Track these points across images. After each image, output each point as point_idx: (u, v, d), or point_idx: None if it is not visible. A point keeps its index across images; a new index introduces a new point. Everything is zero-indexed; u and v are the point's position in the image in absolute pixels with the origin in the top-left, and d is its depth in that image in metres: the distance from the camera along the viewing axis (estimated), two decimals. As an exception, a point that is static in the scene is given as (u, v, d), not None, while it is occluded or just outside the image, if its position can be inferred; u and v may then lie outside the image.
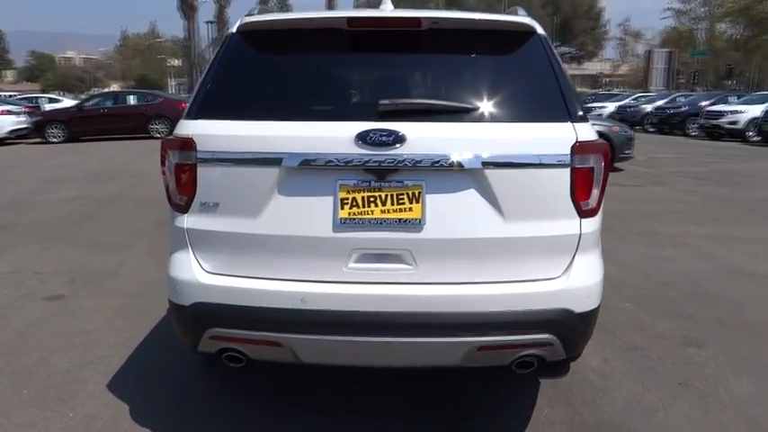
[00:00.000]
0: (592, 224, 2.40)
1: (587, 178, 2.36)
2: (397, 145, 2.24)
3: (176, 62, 76.35)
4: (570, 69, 64.70)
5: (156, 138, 18.86)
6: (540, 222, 2.33)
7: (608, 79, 75.07)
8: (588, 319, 2.40)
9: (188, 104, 2.55)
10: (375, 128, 2.25)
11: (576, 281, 2.37)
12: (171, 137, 2.47)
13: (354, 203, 2.29)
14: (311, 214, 2.31)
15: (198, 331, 2.40)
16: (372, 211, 2.28)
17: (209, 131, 2.38)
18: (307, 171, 2.30)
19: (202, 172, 2.37)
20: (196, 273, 2.41)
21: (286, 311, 2.29)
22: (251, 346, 2.38)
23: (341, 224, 2.28)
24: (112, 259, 5.54)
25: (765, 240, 6.24)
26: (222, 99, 2.48)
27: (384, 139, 2.24)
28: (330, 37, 2.50)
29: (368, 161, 2.25)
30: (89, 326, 3.98)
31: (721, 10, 50.15)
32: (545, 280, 2.35)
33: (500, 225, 2.30)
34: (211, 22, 50.38)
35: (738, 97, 22.89)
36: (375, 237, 2.29)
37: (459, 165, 2.26)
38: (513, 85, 2.47)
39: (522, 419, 2.84)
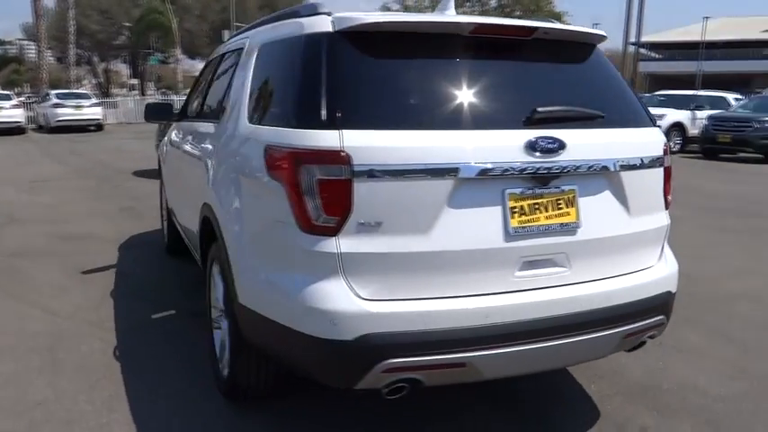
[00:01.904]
0: (668, 215, 2.76)
1: (670, 175, 2.72)
2: (560, 152, 2.30)
3: None
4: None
5: None
6: (649, 216, 2.61)
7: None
8: (674, 297, 2.75)
9: (276, 110, 2.43)
10: (542, 135, 2.28)
11: (669, 266, 2.71)
12: (299, 148, 2.15)
13: (522, 212, 2.29)
14: (481, 226, 2.24)
15: (365, 366, 2.14)
16: (538, 218, 2.31)
17: (365, 143, 2.13)
18: (475, 182, 2.22)
19: (359, 188, 2.12)
20: (357, 302, 2.15)
21: (470, 329, 2.19)
22: (431, 372, 2.21)
23: (512, 233, 2.26)
24: None
25: None
26: (353, 107, 2.23)
27: (550, 146, 2.29)
28: (451, 42, 2.41)
29: (538, 168, 2.27)
30: None
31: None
32: (651, 268, 2.64)
33: (628, 222, 2.51)
34: None
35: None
36: (541, 243, 2.32)
37: (606, 168, 2.41)
38: (612, 92, 2.69)
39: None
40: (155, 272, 5.11)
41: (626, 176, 2.49)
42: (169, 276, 4.99)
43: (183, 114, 4.47)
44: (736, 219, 7.83)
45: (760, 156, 15.11)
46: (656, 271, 2.63)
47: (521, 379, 2.98)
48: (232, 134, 2.84)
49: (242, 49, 3.27)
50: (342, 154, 2.11)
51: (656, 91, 23.72)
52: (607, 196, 2.47)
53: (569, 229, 2.36)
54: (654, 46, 57.95)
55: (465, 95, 2.33)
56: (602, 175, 2.44)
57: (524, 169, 2.25)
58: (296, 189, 2.17)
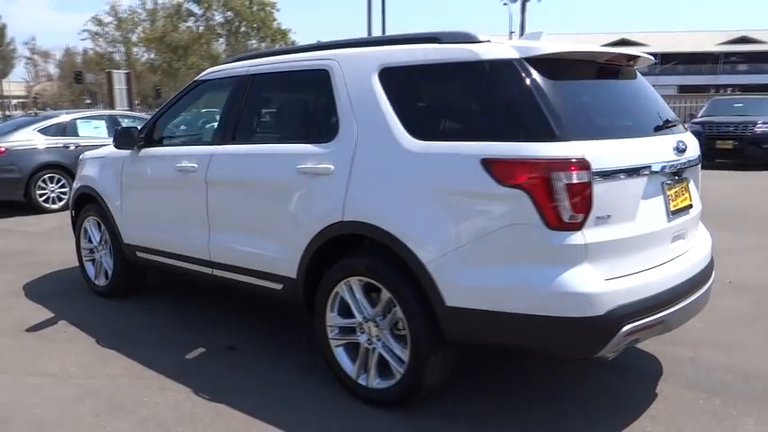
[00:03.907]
0: None
1: None
2: (685, 151, 3.03)
3: None
4: None
5: None
6: (699, 199, 3.47)
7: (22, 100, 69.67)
8: None
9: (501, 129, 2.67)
10: (680, 139, 2.99)
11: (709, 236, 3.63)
12: (547, 159, 2.53)
13: (673, 198, 2.97)
14: (657, 211, 2.87)
15: (610, 334, 2.59)
16: (677, 203, 3.01)
17: (595, 150, 2.60)
18: (653, 176, 2.83)
19: (596, 188, 2.58)
20: (603, 282, 2.60)
21: (665, 292, 2.79)
22: (645, 331, 2.73)
23: (670, 216, 2.93)
24: None
25: None
26: (573, 121, 2.67)
27: (683, 147, 3.01)
28: (596, 66, 2.98)
29: (678, 164, 2.97)
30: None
31: (142, 35, 53.66)
32: (706, 238, 3.51)
33: (698, 203, 3.34)
34: None
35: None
36: (681, 221, 3.03)
37: (697, 162, 3.21)
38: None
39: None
40: (130, 315, 4.60)
41: (697, 169, 3.32)
42: (156, 314, 4.58)
43: (189, 141, 4.18)
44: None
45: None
46: (708, 240, 3.50)
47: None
48: (386, 152, 2.96)
49: (323, 70, 3.34)
50: (585, 161, 2.54)
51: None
52: (693, 184, 3.27)
53: (688, 209, 3.10)
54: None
55: (626, 108, 2.93)
56: (694, 168, 3.23)
57: (674, 165, 2.94)
58: (545, 193, 2.53)
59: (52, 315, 4.63)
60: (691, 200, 3.15)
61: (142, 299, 4.98)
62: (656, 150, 2.90)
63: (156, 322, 4.47)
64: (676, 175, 3.02)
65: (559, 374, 3.53)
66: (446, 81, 2.99)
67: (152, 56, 57.11)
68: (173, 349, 3.95)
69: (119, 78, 33.10)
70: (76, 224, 5.20)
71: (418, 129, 2.93)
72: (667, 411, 3.08)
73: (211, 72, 4.22)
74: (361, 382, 3.18)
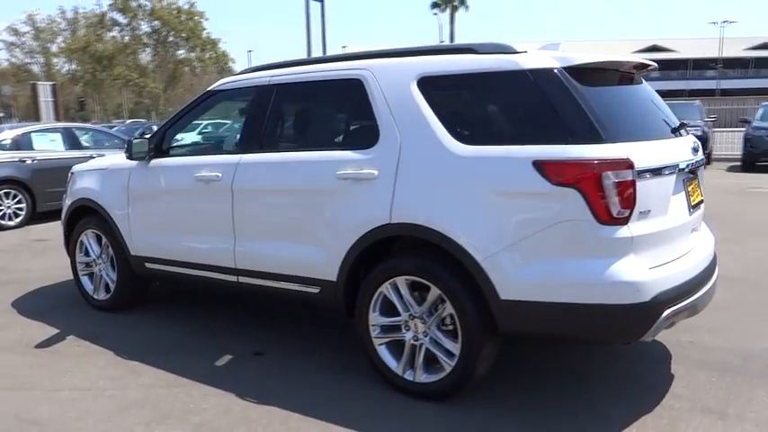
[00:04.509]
0: None
1: None
2: (698, 151, 3.35)
3: None
4: None
5: None
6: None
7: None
8: None
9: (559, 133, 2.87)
10: (695, 140, 3.30)
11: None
12: (598, 160, 2.76)
13: (691, 194, 3.27)
14: (681, 205, 3.17)
15: (654, 318, 2.85)
16: (694, 199, 3.32)
17: (636, 151, 2.86)
18: (676, 174, 3.12)
19: (639, 185, 2.84)
20: (647, 271, 2.86)
21: (694, 279, 3.09)
22: (679, 315, 3.01)
23: (690, 210, 3.24)
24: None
25: None
26: (615, 125, 2.93)
27: (697, 147, 3.33)
28: (618, 74, 3.26)
29: (694, 163, 3.28)
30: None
31: (63, 45, 51.64)
32: (709, 233, 3.87)
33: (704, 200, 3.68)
34: None
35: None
36: (698, 215, 3.35)
37: (703, 163, 3.55)
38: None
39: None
40: (138, 328, 4.54)
41: (703, 168, 3.66)
42: (165, 326, 4.53)
43: (210, 150, 4.19)
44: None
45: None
46: (709, 232, 3.84)
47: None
48: (434, 157, 3.13)
49: (356, 80, 3.49)
50: (630, 161, 2.80)
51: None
52: (700, 182, 3.60)
53: (700, 204, 3.43)
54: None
55: (645, 111, 3.22)
56: (702, 168, 3.56)
57: (691, 163, 3.25)
58: (596, 191, 2.76)
59: (57, 331, 4.52)
60: (701, 195, 3.47)
61: (143, 311, 4.93)
62: (679, 150, 3.20)
63: (168, 334, 4.44)
64: (692, 173, 3.33)
65: (582, 363, 3.79)
66: (488, 89, 3.19)
67: (73, 66, 55.10)
68: (198, 358, 3.96)
69: (44, 90, 31.76)
70: (71, 238, 5.08)
71: (464, 134, 3.12)
72: (687, 389, 3.38)
73: (226, 83, 4.26)
74: (408, 377, 3.31)
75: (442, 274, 3.13)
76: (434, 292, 3.17)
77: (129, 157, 4.34)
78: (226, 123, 13.90)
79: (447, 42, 55.69)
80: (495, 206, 2.98)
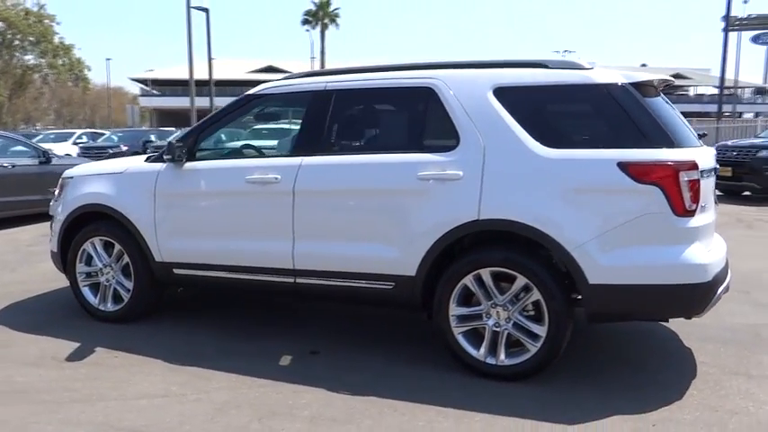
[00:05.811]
0: None
1: None
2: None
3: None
4: None
5: None
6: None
7: None
8: None
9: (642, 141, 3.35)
10: (712, 148, 3.93)
11: None
12: (677, 162, 3.27)
13: (714, 194, 3.89)
14: (712, 202, 3.76)
15: (713, 295, 3.41)
16: (715, 198, 3.95)
17: (695, 155, 3.41)
18: (712, 176, 3.72)
19: (701, 184, 3.39)
20: (708, 255, 3.42)
21: (722, 269, 3.66)
22: (722, 294, 3.58)
23: (716, 206, 3.85)
24: None
25: None
26: (675, 133, 3.46)
27: (714, 154, 3.96)
28: (654, 90, 3.81)
29: (713, 167, 3.91)
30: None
31: None
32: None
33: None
34: None
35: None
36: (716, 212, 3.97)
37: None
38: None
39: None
40: (171, 336, 4.38)
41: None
42: (198, 331, 4.41)
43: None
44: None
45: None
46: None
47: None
48: (520, 158, 3.48)
49: (427, 88, 3.76)
50: (696, 162, 3.35)
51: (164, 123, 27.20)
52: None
53: (716, 203, 4.07)
54: (156, 82, 61.04)
55: (681, 122, 3.77)
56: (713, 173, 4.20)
57: (715, 168, 3.87)
58: (675, 188, 3.27)
59: (78, 344, 4.24)
60: (715, 198, 4.12)
61: (148, 321, 4.70)
62: (710, 156, 3.81)
63: (199, 339, 4.35)
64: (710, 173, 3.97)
65: (619, 348, 4.30)
66: (564, 99, 3.62)
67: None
68: (256, 359, 3.96)
69: None
70: (70, 248, 4.76)
71: (547, 138, 3.51)
72: (707, 357, 4.00)
73: (270, 87, 4.30)
74: (490, 361, 3.60)
75: (531, 265, 3.48)
76: (520, 281, 3.51)
77: (171, 160, 4.23)
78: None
79: (318, 57, 56.38)
80: (581, 202, 3.39)
